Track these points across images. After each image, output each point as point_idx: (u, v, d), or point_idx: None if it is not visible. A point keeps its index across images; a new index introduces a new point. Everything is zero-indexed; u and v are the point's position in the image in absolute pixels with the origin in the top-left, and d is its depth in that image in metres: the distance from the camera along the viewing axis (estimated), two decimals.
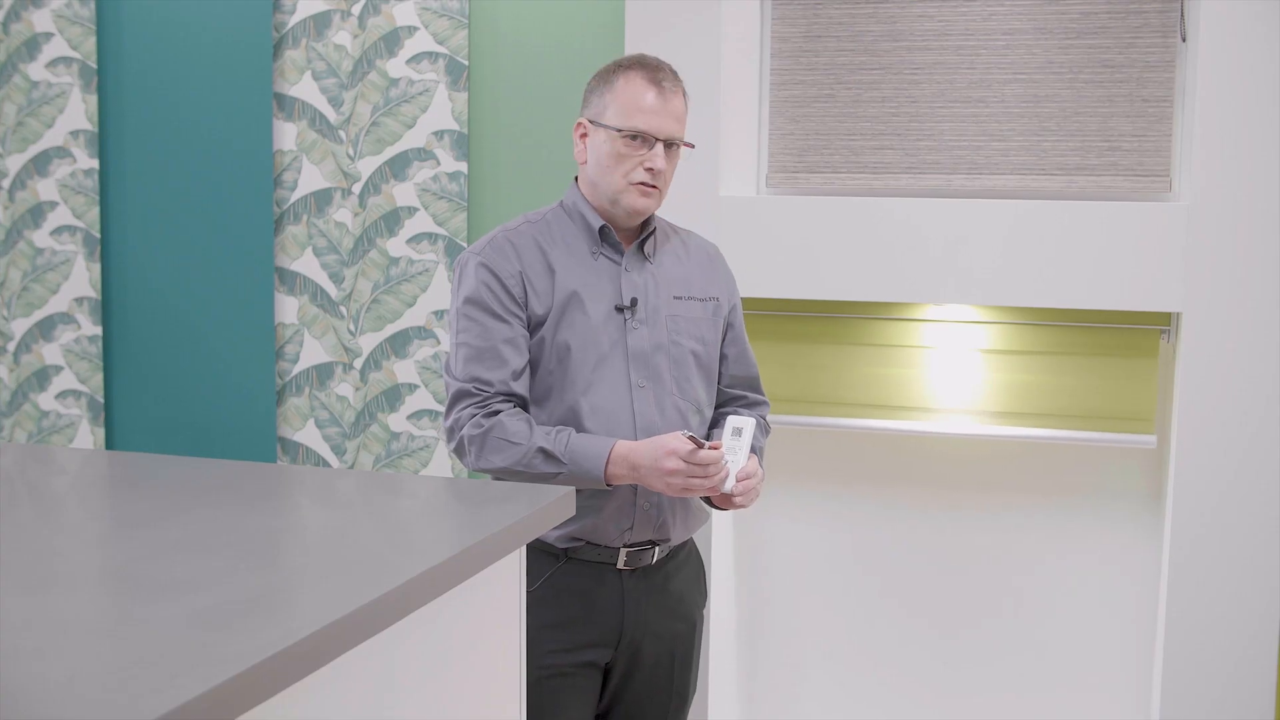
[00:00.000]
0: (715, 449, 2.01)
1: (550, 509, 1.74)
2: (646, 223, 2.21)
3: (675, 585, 2.23)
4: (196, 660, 1.09)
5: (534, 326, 2.12)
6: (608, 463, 2.03)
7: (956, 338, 2.87)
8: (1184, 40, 2.69)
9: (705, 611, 2.33)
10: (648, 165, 2.12)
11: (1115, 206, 2.65)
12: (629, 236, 2.21)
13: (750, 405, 2.32)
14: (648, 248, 2.21)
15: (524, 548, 1.71)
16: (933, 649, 2.99)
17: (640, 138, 2.12)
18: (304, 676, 1.15)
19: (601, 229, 2.17)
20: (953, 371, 2.87)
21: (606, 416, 2.11)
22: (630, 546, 2.15)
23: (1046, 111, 2.78)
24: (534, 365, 2.13)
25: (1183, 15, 2.68)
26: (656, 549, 2.18)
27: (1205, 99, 2.58)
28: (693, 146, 2.24)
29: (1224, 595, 2.63)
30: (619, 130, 2.12)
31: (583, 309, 2.12)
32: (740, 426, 2.08)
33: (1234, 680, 2.63)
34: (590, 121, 2.17)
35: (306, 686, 1.20)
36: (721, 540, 2.96)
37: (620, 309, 2.15)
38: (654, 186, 2.13)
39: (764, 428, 2.31)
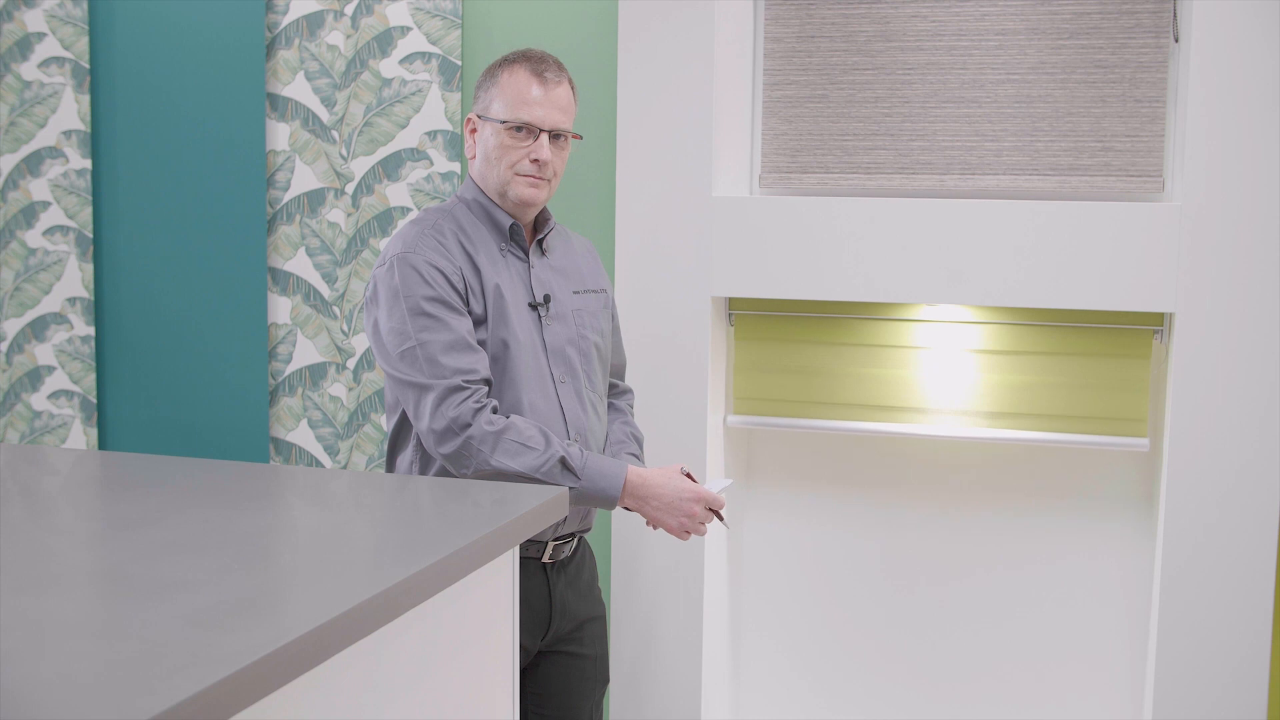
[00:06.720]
0: (720, 501, 2.18)
1: (543, 509, 1.74)
2: (545, 219, 2.25)
3: (585, 575, 2.31)
4: (190, 660, 1.09)
5: (475, 325, 2.13)
6: (625, 486, 2.09)
7: (949, 338, 2.87)
8: (1176, 41, 2.69)
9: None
10: (533, 156, 2.14)
11: (1108, 207, 2.66)
12: (528, 232, 2.24)
13: (620, 393, 2.42)
14: (546, 244, 2.24)
15: (516, 549, 1.71)
16: (925, 650, 3.00)
17: (525, 129, 2.14)
18: (297, 676, 1.15)
19: (511, 227, 2.19)
20: (945, 372, 2.87)
21: (541, 414, 2.15)
22: (557, 539, 2.19)
23: (1039, 112, 2.78)
24: None
25: (1175, 16, 2.69)
26: (576, 540, 2.25)
27: (1198, 99, 2.59)
28: (580, 138, 2.28)
29: (1217, 597, 2.63)
30: (503, 123, 2.14)
31: (508, 306, 2.14)
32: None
33: (1227, 683, 2.63)
34: (478, 116, 2.19)
35: (300, 686, 1.20)
36: (714, 542, 2.96)
37: (534, 306, 2.18)
38: (541, 178, 2.16)
39: (632, 410, 2.44)
